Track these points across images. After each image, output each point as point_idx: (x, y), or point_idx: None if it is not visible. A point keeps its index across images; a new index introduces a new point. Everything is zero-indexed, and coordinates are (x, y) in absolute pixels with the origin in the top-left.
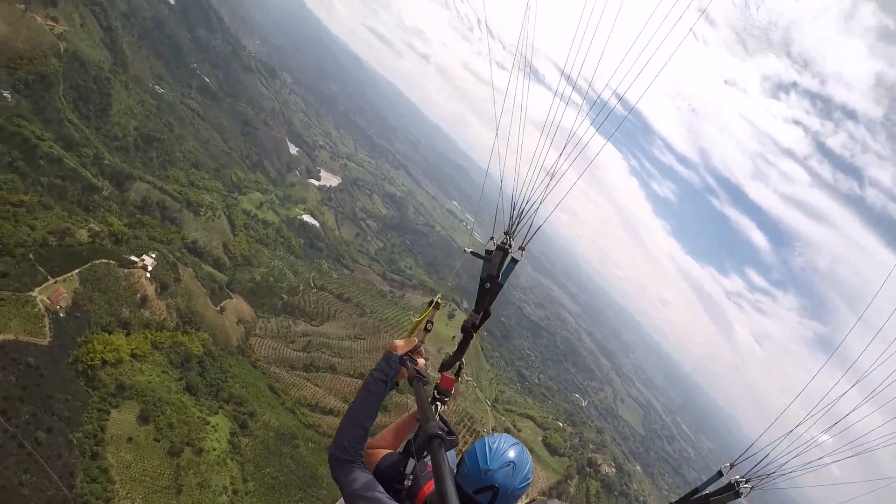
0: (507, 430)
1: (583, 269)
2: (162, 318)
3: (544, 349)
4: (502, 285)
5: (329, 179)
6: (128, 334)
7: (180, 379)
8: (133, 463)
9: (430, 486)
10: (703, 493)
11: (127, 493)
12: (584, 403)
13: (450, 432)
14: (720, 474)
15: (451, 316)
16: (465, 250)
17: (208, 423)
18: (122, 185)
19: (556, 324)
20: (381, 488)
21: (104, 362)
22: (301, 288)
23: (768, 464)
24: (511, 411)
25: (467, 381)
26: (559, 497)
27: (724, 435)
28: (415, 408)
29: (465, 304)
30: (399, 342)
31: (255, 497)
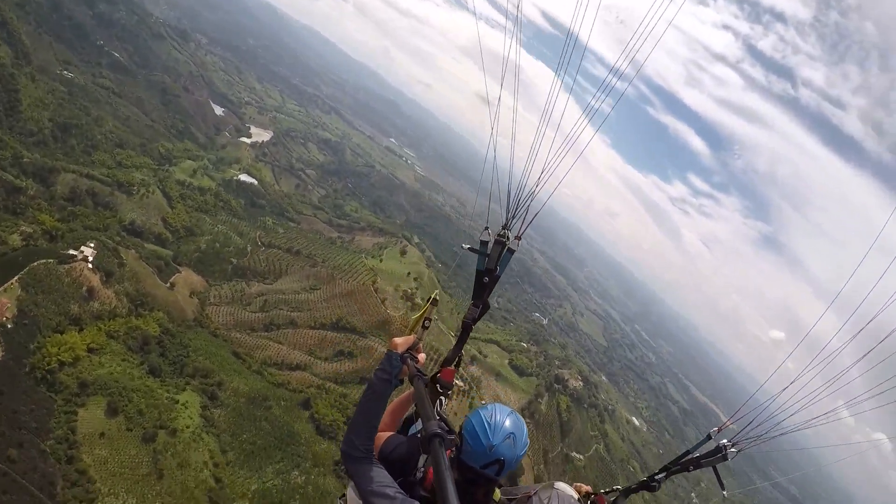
0: (473, 358)
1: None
2: (112, 306)
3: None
4: (499, 277)
5: (260, 135)
6: (80, 330)
7: (142, 363)
8: (109, 458)
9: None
10: (694, 455)
11: (109, 490)
12: (545, 321)
13: (450, 431)
14: (709, 437)
15: (403, 253)
16: (462, 246)
17: (177, 402)
18: (48, 180)
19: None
20: (395, 485)
21: (62, 364)
22: (249, 249)
23: (757, 426)
24: (475, 338)
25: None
26: (531, 416)
27: (682, 339)
28: (411, 389)
29: (416, 240)
30: (399, 340)
31: (236, 466)
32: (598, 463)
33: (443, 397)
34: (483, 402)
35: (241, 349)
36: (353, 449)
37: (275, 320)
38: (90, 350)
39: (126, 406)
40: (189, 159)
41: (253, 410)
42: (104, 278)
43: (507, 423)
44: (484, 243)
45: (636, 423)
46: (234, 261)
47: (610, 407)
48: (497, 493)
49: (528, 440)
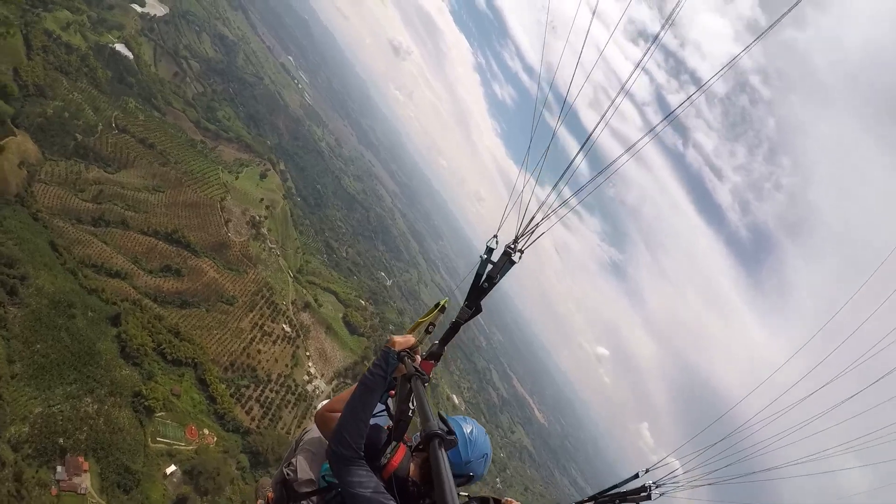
0: (307, 305)
1: (407, 150)
2: None
3: (356, 223)
4: (496, 283)
5: (155, 7)
6: None
7: None
8: None
9: (397, 460)
10: (620, 490)
11: None
12: (389, 283)
13: (449, 432)
14: (636, 476)
15: (262, 176)
16: (482, 257)
17: None
18: None
19: (372, 199)
20: (387, 494)
21: None
22: (100, 128)
23: (682, 473)
24: (314, 283)
25: (270, 248)
26: (354, 378)
27: (514, 331)
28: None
29: (282, 167)
30: (398, 338)
31: (21, 381)
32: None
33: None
34: (308, 354)
35: (60, 240)
36: (346, 448)
37: (106, 215)
38: None
39: None
40: (67, 10)
41: (54, 317)
42: None
43: (483, 442)
44: (490, 249)
45: (455, 401)
46: (80, 137)
47: (434, 381)
48: None
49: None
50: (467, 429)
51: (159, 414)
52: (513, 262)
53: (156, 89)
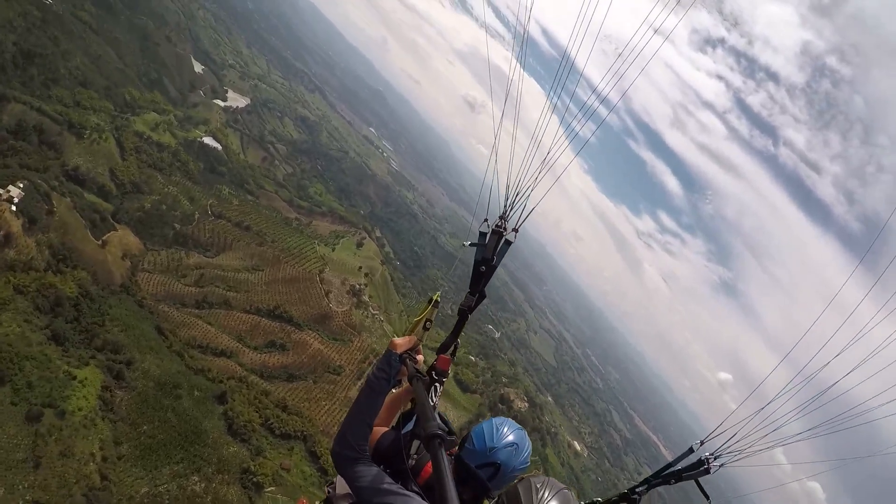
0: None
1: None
2: (29, 257)
3: (458, 279)
4: (496, 266)
5: (237, 100)
6: None
7: (46, 327)
8: None
9: (431, 466)
10: (676, 468)
11: None
12: (497, 335)
13: (450, 432)
14: (691, 450)
15: (359, 245)
16: (463, 244)
17: (74, 378)
18: None
19: (470, 254)
20: (389, 479)
21: None
22: (197, 216)
23: (739, 440)
24: (422, 345)
25: (373, 314)
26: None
27: (630, 368)
28: (406, 385)
29: (378, 234)
30: (399, 340)
31: (128, 462)
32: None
33: (437, 385)
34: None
35: (165, 324)
36: (348, 448)
37: (208, 297)
38: None
39: (15, 375)
40: (154, 112)
41: (161, 398)
42: (27, 224)
43: (513, 435)
44: (483, 234)
45: (577, 447)
46: (178, 226)
47: (553, 430)
48: None
49: (530, 461)
50: (498, 422)
51: (269, 489)
52: (509, 243)
53: (247, 175)
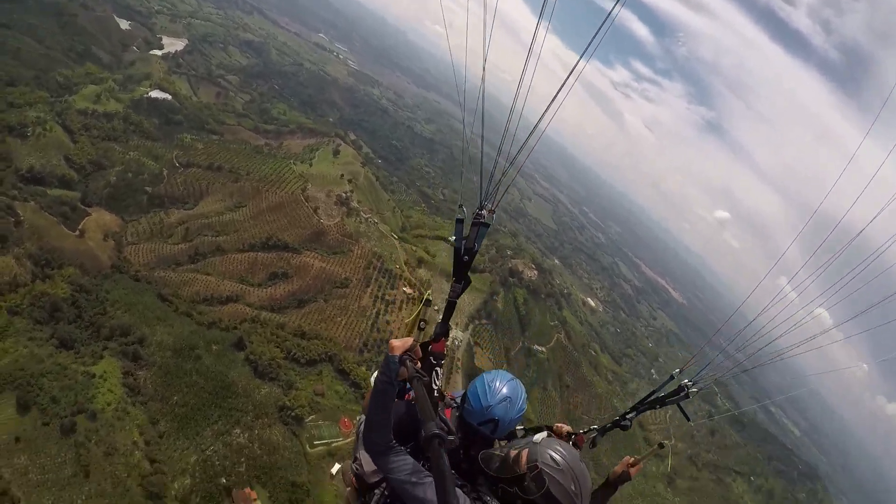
0: (421, 260)
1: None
2: (13, 275)
3: (442, 163)
4: (477, 251)
5: (174, 44)
6: None
7: (52, 336)
8: (30, 465)
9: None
10: (659, 394)
11: None
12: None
13: (450, 432)
14: (671, 378)
15: (336, 153)
16: (449, 239)
17: (94, 376)
18: None
19: (450, 135)
20: (420, 468)
21: None
22: (165, 173)
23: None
24: (422, 236)
25: (366, 218)
26: (488, 316)
27: (629, 219)
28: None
29: (352, 137)
30: (396, 342)
31: (170, 437)
32: (561, 353)
33: (438, 368)
34: (437, 308)
35: (166, 289)
36: (376, 445)
37: (200, 249)
38: None
39: (38, 397)
40: (91, 84)
41: (181, 364)
42: None
43: (506, 389)
44: (460, 221)
45: (592, 303)
46: (149, 189)
47: (566, 291)
48: None
49: (526, 406)
50: (488, 378)
51: (310, 419)
52: (487, 225)
53: (205, 115)
